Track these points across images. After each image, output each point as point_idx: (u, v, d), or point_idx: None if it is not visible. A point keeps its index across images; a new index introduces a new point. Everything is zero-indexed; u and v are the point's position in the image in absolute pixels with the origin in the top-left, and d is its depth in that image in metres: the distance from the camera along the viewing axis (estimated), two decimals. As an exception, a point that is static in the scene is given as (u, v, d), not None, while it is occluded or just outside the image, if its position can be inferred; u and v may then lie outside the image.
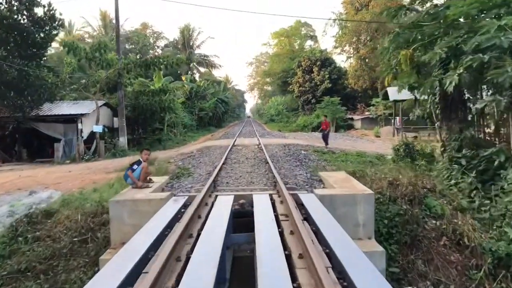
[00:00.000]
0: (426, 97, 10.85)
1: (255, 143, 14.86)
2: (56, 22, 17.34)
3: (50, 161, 17.58)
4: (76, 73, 20.04)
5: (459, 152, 8.94)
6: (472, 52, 7.26)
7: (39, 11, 16.79)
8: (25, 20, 16.51)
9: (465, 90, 9.32)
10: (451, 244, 6.19)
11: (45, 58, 18.34)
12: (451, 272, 5.71)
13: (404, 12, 9.49)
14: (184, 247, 3.37)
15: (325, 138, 15.58)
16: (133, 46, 42.21)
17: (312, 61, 40.19)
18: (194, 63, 51.70)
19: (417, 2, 10.95)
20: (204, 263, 2.86)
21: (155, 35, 50.99)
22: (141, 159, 6.04)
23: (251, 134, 25.40)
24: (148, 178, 6.36)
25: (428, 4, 10.60)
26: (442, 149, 9.62)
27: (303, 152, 12.04)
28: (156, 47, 49.25)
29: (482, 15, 8.16)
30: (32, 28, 16.50)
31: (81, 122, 17.90)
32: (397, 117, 25.11)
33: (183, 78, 39.52)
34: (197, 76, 52.42)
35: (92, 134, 18.49)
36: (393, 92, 22.70)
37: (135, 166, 5.95)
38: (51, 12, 17.02)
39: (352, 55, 39.75)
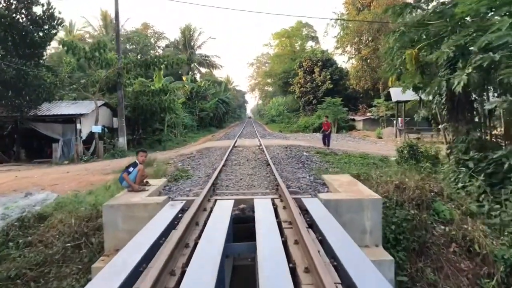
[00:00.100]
0: (430, 98, 10.61)
1: (256, 144, 14.60)
2: (55, 21, 17.12)
3: (48, 161, 17.35)
4: (75, 72, 19.82)
5: (466, 154, 8.67)
6: (480, 51, 7.01)
7: (38, 10, 16.62)
8: (24, 19, 16.29)
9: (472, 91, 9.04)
10: (461, 251, 5.92)
11: (44, 57, 18.11)
12: (462, 281, 5.44)
13: (410, 11, 9.21)
14: (179, 259, 3.11)
15: (327, 139, 15.33)
16: (134, 46, 42.02)
17: (314, 62, 39.93)
18: (195, 64, 51.51)
19: (422, 0, 10.67)
20: (200, 279, 2.60)
21: (156, 35, 50.86)
22: (137, 161, 5.79)
23: (252, 134, 25.15)
24: (144, 180, 6.10)
25: (434, 3, 10.33)
26: (449, 151, 9.35)
27: (305, 153, 11.77)
28: (157, 47, 49.09)
29: (491, 13, 7.90)
30: (30, 27, 16.28)
31: (80, 122, 17.67)
32: (399, 118, 24.84)
33: (184, 78, 39.32)
34: (198, 76, 52.23)
35: (91, 135, 18.26)
36: (396, 93, 22.45)
37: (130, 169, 5.69)
38: (50, 11, 16.80)
39: (353, 56, 39.54)
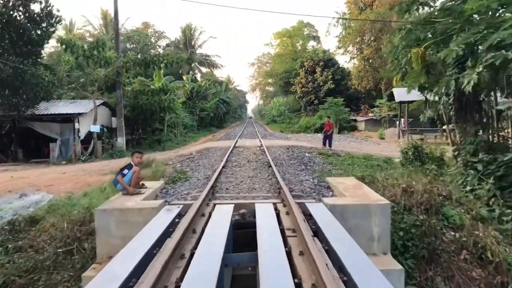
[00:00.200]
0: (436, 98, 10.33)
1: (257, 144, 14.31)
2: (54, 19, 16.86)
3: (45, 161, 17.10)
4: (74, 71, 19.56)
5: (475, 156, 8.39)
6: (491, 49, 6.72)
7: (35, 8, 16.36)
8: (21, 17, 16.04)
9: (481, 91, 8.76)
10: (473, 259, 5.63)
11: (42, 55, 17.84)
12: (474, 291, 5.16)
13: (417, 7, 8.92)
14: (173, 273, 2.83)
15: (329, 139, 15.04)
16: (134, 45, 41.75)
17: (315, 62, 39.64)
18: (196, 63, 51.23)
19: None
20: (195, 298, 2.32)
21: (157, 34, 50.57)
22: (132, 163, 5.51)
23: (252, 135, 24.87)
24: (140, 183, 5.83)
25: (441, -1, 10.04)
26: (456, 152, 9.06)
27: (307, 154, 11.49)
28: (157, 47, 48.81)
29: (502, 9, 7.62)
30: (28, 24, 16.03)
31: (78, 122, 17.41)
32: (402, 119, 24.52)
33: (185, 78, 39.05)
34: (198, 76, 51.96)
35: (90, 134, 18.00)
36: (399, 93, 22.15)
37: (125, 171, 5.41)
38: (48, 9, 16.54)
39: (355, 56, 39.25)
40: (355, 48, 38.91)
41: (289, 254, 3.27)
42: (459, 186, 7.92)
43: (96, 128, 17.44)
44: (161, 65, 18.57)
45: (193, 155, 12.10)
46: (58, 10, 16.90)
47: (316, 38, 56.61)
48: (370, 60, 35.30)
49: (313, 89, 39.41)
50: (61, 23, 17.18)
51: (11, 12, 15.53)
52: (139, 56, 26.08)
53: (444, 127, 21.23)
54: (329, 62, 39.81)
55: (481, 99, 9.04)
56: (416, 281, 5.24)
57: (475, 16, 8.05)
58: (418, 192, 6.49)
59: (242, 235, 4.63)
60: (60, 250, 5.52)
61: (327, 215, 4.39)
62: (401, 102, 23.43)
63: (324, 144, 15.03)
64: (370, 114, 32.67)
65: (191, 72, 46.41)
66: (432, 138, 21.13)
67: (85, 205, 6.28)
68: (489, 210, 6.65)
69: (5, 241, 5.72)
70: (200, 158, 11.14)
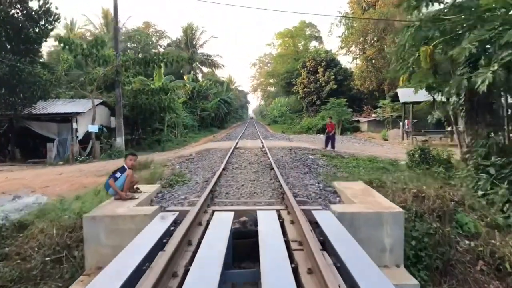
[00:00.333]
0: (444, 99, 9.95)
1: (259, 145, 13.95)
2: (52, 17, 16.55)
3: (43, 161, 16.77)
4: (72, 70, 19.23)
5: (487, 159, 8.01)
6: (505, 46, 6.35)
7: (33, 5, 16.06)
8: (19, 14, 15.73)
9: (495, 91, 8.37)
10: (490, 270, 5.25)
11: (39, 54, 17.53)
12: (493, 306, 4.78)
13: (426, 3, 8.53)
14: (163, 296, 2.47)
15: (331, 140, 14.66)
16: (135, 45, 41.46)
17: (317, 62, 39.26)
18: (197, 63, 50.90)
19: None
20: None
21: (158, 34, 50.29)
22: (125, 166, 5.14)
23: (254, 135, 24.52)
24: (135, 187, 5.47)
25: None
26: (467, 155, 8.66)
27: (310, 156, 11.12)
28: (158, 46, 48.51)
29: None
30: (26, 22, 15.71)
31: (76, 121, 17.07)
32: (406, 120, 24.11)
33: (185, 77, 38.73)
34: (199, 76, 51.65)
35: (88, 134, 17.66)
36: (404, 94, 21.76)
37: (117, 174, 5.05)
38: (47, 6, 16.25)
39: (358, 56, 38.88)
40: (358, 48, 38.54)
41: (295, 271, 2.91)
42: (469, 190, 7.55)
43: (94, 128, 17.10)
44: (161, 64, 18.23)
45: (193, 156, 11.74)
46: (56, 8, 16.63)
47: (318, 38, 56.30)
48: (373, 61, 34.91)
49: (315, 90, 39.03)
50: (60, 21, 16.85)
51: (8, 9, 15.23)
52: (139, 55, 25.81)
53: (450, 128, 20.83)
54: (331, 62, 39.43)
55: (493, 100, 8.66)
56: (430, 295, 4.87)
57: (487, 13, 7.69)
58: (430, 197, 6.12)
59: (243, 245, 4.27)
60: (49, 258, 5.16)
61: (335, 224, 4.02)
62: (405, 103, 23.00)
63: (327, 145, 14.65)
64: (373, 115, 32.26)
65: (192, 72, 46.08)
66: (437, 139, 20.75)
67: (76, 209, 5.93)
68: (505, 217, 6.27)
69: (-10, 248, 5.38)
70: (200, 160, 10.79)
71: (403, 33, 9.04)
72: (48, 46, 32.40)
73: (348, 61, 67.10)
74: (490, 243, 5.49)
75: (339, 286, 2.54)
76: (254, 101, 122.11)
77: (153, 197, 5.78)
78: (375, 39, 35.36)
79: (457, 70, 8.69)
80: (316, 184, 6.52)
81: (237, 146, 13.60)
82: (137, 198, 5.10)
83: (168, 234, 3.81)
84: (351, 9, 39.97)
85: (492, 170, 7.58)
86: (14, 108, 16.14)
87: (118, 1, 17.73)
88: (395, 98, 25.66)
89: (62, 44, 15.76)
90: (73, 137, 16.79)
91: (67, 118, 17.25)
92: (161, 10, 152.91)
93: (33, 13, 15.90)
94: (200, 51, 51.27)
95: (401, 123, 24.98)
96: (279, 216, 4.37)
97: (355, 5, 38.40)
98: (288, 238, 3.59)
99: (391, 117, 28.56)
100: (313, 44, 55.91)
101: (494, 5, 6.78)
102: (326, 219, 4.20)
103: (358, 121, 33.86)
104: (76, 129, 16.96)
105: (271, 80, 60.90)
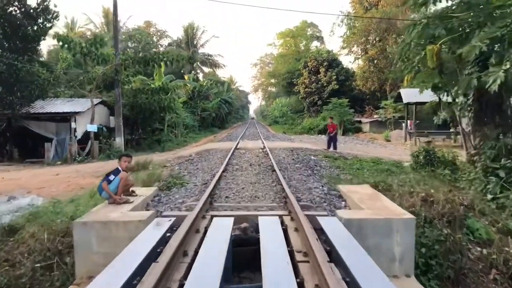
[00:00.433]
0: (450, 100, 9.69)
1: (260, 146, 13.68)
2: (51, 15, 16.32)
3: (41, 161, 16.54)
4: (72, 69, 18.99)
5: (496, 161, 7.75)
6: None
7: (32, 2, 15.84)
8: (17, 12, 15.50)
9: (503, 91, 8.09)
10: (503, 279, 4.97)
11: (38, 52, 17.30)
12: (508, 318, 4.50)
13: (434, 0, 8.25)
14: (153, 317, 2.20)
15: (333, 141, 14.37)
16: (135, 44, 41.21)
17: (319, 62, 38.96)
18: (198, 63, 50.64)
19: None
20: None
21: (159, 33, 50.05)
22: (119, 168, 4.88)
23: (255, 136, 24.26)
24: (130, 190, 5.20)
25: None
26: (476, 157, 8.39)
27: (312, 157, 10.84)
28: (159, 46, 48.23)
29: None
30: (24, 20, 15.48)
31: (75, 121, 16.83)
32: (409, 121, 23.79)
33: (186, 77, 38.48)
34: (200, 76, 51.41)
35: (87, 134, 17.41)
36: (407, 94, 21.48)
37: (111, 176, 4.78)
38: (45, 4, 16.01)
39: (360, 56, 38.59)
40: (359, 49, 38.24)
41: (301, 286, 2.65)
42: (479, 194, 7.28)
43: (93, 128, 16.85)
44: (161, 63, 17.95)
45: (193, 157, 11.49)
46: (55, 6, 16.39)
47: (320, 39, 56.02)
48: (375, 61, 34.62)
49: (317, 90, 38.73)
50: (58, 19, 16.60)
51: (6, 7, 15.00)
52: (140, 55, 25.55)
53: (453, 129, 20.53)
54: (333, 63, 39.13)
55: (503, 100, 8.38)
56: (442, 306, 4.60)
57: (497, 11, 7.42)
58: (439, 201, 5.84)
59: (243, 253, 4.02)
60: (39, 265, 4.91)
61: (342, 232, 3.75)
62: (408, 104, 22.70)
63: (329, 146, 14.36)
64: (375, 116, 31.97)
65: (193, 71, 45.84)
66: (440, 140, 20.46)
67: (69, 213, 5.67)
68: (517, 223, 5.99)
69: (-22, 254, 5.11)
70: (200, 161, 10.53)
71: (409, 31, 8.75)
72: (48, 45, 32.24)
73: (350, 61, 66.80)
74: (504, 251, 5.21)
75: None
76: (255, 101, 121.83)
77: (149, 200, 5.51)
78: (377, 39, 35.07)
79: (465, 70, 8.43)
80: (320, 187, 6.24)
81: (238, 147, 13.34)
82: (132, 202, 4.84)
83: (163, 242, 3.55)
84: (353, 8, 39.69)
85: (501, 173, 7.35)
86: (12, 107, 15.91)
87: (119, 1, 17.54)
88: (397, 98, 25.36)
89: (60, 43, 15.53)
90: (72, 136, 16.55)
91: (65, 118, 17.01)
92: (161, 10, 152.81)
93: (31, 10, 15.68)
94: (201, 50, 51.06)
95: (403, 124, 24.69)
96: (282, 223, 4.11)
97: (357, 5, 38.11)
98: (293, 248, 3.32)
99: (393, 118, 28.27)
100: (315, 44, 55.70)
101: (504, 2, 6.51)
102: (332, 226, 3.94)
103: (360, 122, 33.57)
104: (75, 128, 16.72)
105: (272, 80, 60.63)
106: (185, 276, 2.71)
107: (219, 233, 3.68)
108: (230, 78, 71.27)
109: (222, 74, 64.17)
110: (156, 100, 20.10)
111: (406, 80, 11.05)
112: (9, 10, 15.11)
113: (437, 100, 10.60)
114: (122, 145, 17.79)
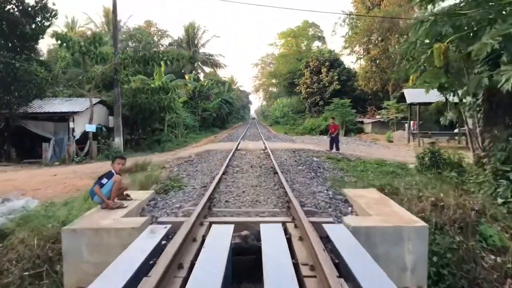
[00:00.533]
0: (456, 99, 9.41)
1: (261, 147, 13.41)
2: (49, 13, 16.08)
3: (38, 162, 16.30)
4: (70, 68, 18.74)
5: (506, 164, 7.45)
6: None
7: (30, 0, 15.59)
8: (14, 10, 15.26)
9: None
10: (520, 290, 4.70)
11: (36, 51, 17.06)
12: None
13: (442, -3, 7.98)
14: None
15: (336, 142, 14.07)
16: (136, 44, 40.96)
17: (321, 62, 38.67)
18: (199, 63, 50.37)
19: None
20: None
21: (160, 33, 49.80)
22: (112, 171, 4.61)
23: (255, 136, 24.00)
24: (125, 193, 4.93)
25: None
26: (485, 159, 8.09)
27: (315, 159, 10.57)
28: (160, 46, 47.96)
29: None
30: (22, 18, 15.24)
31: (73, 121, 16.58)
32: (412, 122, 23.49)
33: (187, 77, 38.24)
34: (201, 76, 51.14)
35: (86, 134, 17.16)
36: (410, 94, 21.18)
37: (104, 180, 4.51)
38: (43, 2, 15.76)
39: (362, 56, 38.27)
40: (362, 49, 37.93)
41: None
42: (488, 197, 6.99)
43: (91, 128, 16.60)
44: (161, 63, 17.68)
45: (192, 158, 11.23)
46: (53, 4, 16.15)
47: (322, 39, 55.73)
48: (378, 61, 34.31)
49: (318, 90, 38.45)
50: (57, 17, 16.35)
51: (4, 5, 14.76)
52: (140, 54, 25.28)
53: (457, 130, 20.19)
54: (335, 63, 38.84)
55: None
56: (455, 320, 4.32)
57: (507, 8, 7.14)
58: (450, 206, 5.55)
59: (243, 262, 3.75)
60: (27, 273, 4.65)
61: (350, 242, 3.47)
62: (411, 104, 22.38)
63: (331, 147, 14.05)
64: (377, 116, 31.64)
65: (193, 71, 45.58)
66: (444, 141, 20.13)
67: (62, 218, 5.40)
68: (531, 229, 5.70)
69: (-36, 260, 4.85)
70: (199, 162, 10.26)
71: (415, 29, 8.46)
72: (48, 44, 32.04)
73: (351, 61, 66.47)
74: (519, 259, 4.93)
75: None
76: (256, 102, 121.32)
77: (144, 205, 5.23)
78: (379, 39, 34.77)
79: (473, 69, 8.16)
80: (325, 191, 5.96)
81: (239, 148, 13.07)
82: (125, 207, 4.57)
83: (157, 252, 3.28)
84: (355, 8, 39.42)
85: (512, 176, 7.04)
86: (9, 107, 15.67)
87: (119, 0, 17.29)
88: (400, 99, 25.04)
89: (59, 41, 15.27)
90: (70, 137, 16.30)
91: (64, 117, 16.77)
92: (161, 10, 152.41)
93: (29, 8, 15.44)
94: (202, 50, 50.80)
95: (406, 125, 24.39)
96: (285, 231, 3.83)
97: (359, 4, 37.82)
98: (297, 260, 3.04)
99: (396, 119, 27.97)
100: (316, 44, 55.43)
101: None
102: (339, 234, 3.66)
103: (362, 122, 33.26)
104: (73, 128, 16.47)
105: (273, 81, 60.36)
106: (179, 294, 2.45)
107: (218, 243, 3.40)
108: (231, 78, 71.07)
109: (223, 74, 63.87)
110: (156, 100, 19.83)
111: (411, 79, 10.76)
112: (6, 8, 14.87)
113: (444, 100, 10.32)
114: (121, 146, 17.52)
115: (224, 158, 10.06)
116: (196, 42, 49.41)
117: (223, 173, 7.36)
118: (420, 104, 21.19)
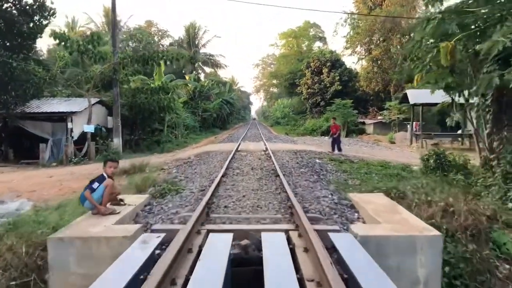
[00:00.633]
0: (462, 100, 9.14)
1: (262, 148, 13.14)
2: (47, 12, 15.84)
3: (36, 163, 16.05)
4: (69, 67, 18.50)
5: (517, 167, 7.18)
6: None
7: (28, -1, 15.35)
8: (12, 8, 15.03)
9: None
10: (537, 302, 4.42)
11: (33, 50, 16.83)
12: None
13: (450, -6, 7.71)
14: None
15: (337, 143, 13.80)
16: (136, 44, 40.72)
17: (322, 62, 38.42)
18: (199, 63, 50.16)
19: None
20: None
21: (160, 33, 49.57)
22: (104, 174, 4.35)
23: (256, 137, 23.72)
24: (118, 198, 4.67)
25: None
26: (494, 162, 7.82)
27: (317, 161, 10.30)
28: (160, 46, 47.71)
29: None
30: (19, 17, 15.01)
31: (71, 121, 16.34)
32: (414, 123, 23.19)
33: (187, 77, 37.99)
34: (202, 76, 50.90)
35: (85, 135, 16.91)
36: (413, 95, 20.88)
37: (95, 184, 4.25)
38: (41, 0, 15.52)
39: (364, 57, 38.03)
40: (363, 49, 37.71)
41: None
42: (498, 202, 6.71)
43: (90, 128, 16.34)
44: (160, 62, 17.44)
45: (191, 160, 10.96)
46: (52, 3, 15.90)
47: (323, 39, 55.54)
48: (379, 61, 34.06)
49: (320, 90, 38.19)
50: (55, 16, 16.08)
51: (1, 3, 14.53)
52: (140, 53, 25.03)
53: (460, 131, 19.87)
54: (336, 63, 38.59)
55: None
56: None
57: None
58: (461, 212, 5.28)
59: (243, 274, 3.47)
60: (14, 282, 4.38)
61: (359, 253, 3.20)
62: (414, 105, 22.08)
63: (333, 149, 13.78)
64: (379, 117, 31.36)
65: (194, 71, 45.34)
66: (447, 143, 19.83)
67: (53, 223, 5.12)
68: (545, 236, 5.41)
69: (-51, 269, 4.58)
70: (199, 164, 10.00)
71: (422, 26, 8.19)
72: (47, 44, 31.83)
73: (353, 61, 66.19)
74: (535, 269, 4.65)
75: None
76: (257, 102, 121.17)
77: (139, 210, 4.96)
78: (381, 39, 34.52)
79: (482, 68, 7.89)
80: (329, 195, 5.68)
81: (239, 149, 12.81)
82: (118, 213, 4.30)
83: (149, 264, 3.01)
84: (357, 8, 39.17)
85: (523, 180, 6.78)
86: (7, 107, 15.44)
87: (120, 0, 17.09)
88: (403, 99, 24.75)
89: (57, 40, 15.04)
90: (68, 137, 16.06)
91: (62, 118, 16.52)
92: (162, 11, 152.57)
93: (27, 7, 15.21)
94: (202, 50, 50.57)
95: (408, 126, 24.09)
96: (289, 240, 3.56)
97: (361, 4, 37.57)
98: (302, 275, 2.77)
99: (398, 119, 27.69)
100: (317, 44, 55.21)
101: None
102: (346, 244, 3.39)
103: (363, 123, 32.98)
104: (71, 129, 16.23)
105: (274, 81, 60.14)
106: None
107: (215, 254, 3.13)
108: (232, 79, 70.87)
109: (224, 74, 63.69)
110: (156, 100, 19.58)
111: (416, 80, 10.48)
112: (4, 7, 14.64)
113: (449, 100, 10.05)
114: (120, 146, 17.28)
115: (224, 159, 9.80)
116: (196, 42, 49.19)
117: (223, 176, 7.09)
118: (423, 105, 20.89)
